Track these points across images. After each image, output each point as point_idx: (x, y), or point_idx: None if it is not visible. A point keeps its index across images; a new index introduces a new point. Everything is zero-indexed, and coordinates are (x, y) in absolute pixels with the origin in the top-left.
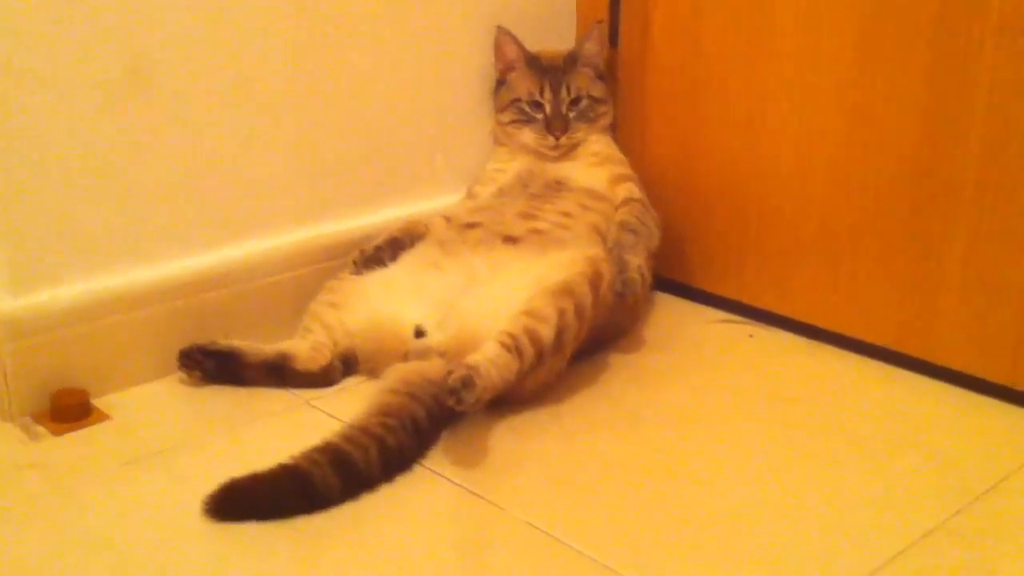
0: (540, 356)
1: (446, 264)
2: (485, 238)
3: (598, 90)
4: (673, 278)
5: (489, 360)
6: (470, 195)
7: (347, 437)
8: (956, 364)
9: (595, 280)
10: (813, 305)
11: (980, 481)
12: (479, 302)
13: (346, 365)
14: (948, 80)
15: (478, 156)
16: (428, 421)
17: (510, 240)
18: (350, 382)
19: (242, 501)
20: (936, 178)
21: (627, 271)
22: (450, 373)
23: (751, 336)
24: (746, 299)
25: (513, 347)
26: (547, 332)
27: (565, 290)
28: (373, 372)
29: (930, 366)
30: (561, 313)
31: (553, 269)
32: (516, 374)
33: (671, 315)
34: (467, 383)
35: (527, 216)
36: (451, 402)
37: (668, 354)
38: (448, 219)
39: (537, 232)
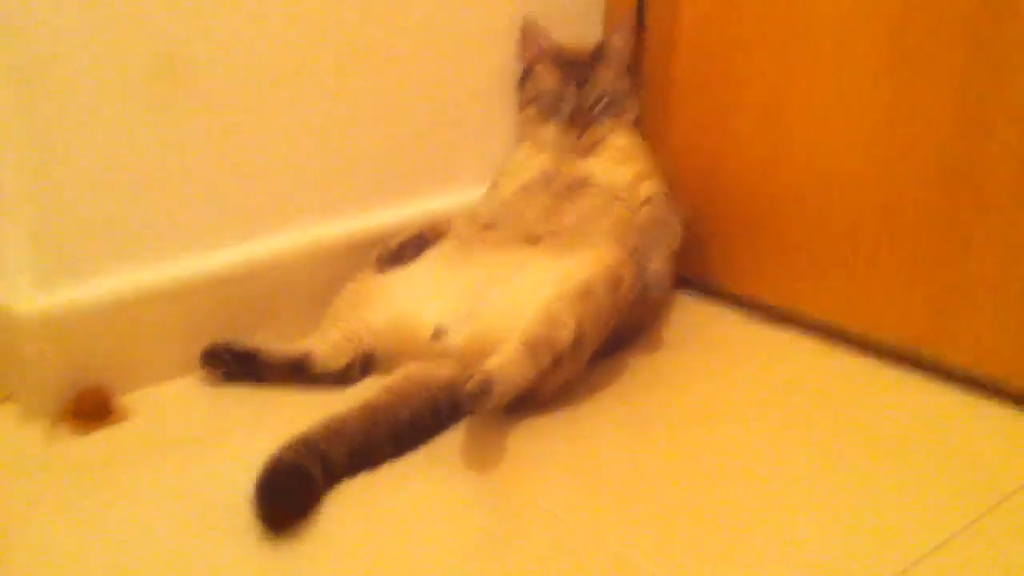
0: (558, 360)
1: (467, 263)
2: (506, 238)
3: (623, 85)
4: (693, 276)
5: (506, 364)
6: (493, 186)
7: (321, 432)
8: (978, 368)
9: (615, 283)
10: (835, 305)
11: (1004, 484)
12: (498, 303)
13: (365, 365)
14: (981, 78)
15: (503, 149)
16: (411, 425)
17: (531, 240)
18: (368, 382)
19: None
20: (965, 179)
21: (649, 271)
22: (468, 378)
23: (769, 339)
24: (767, 298)
25: (531, 351)
26: (565, 336)
27: (585, 294)
28: (391, 372)
29: (952, 370)
30: (580, 318)
31: (573, 271)
32: (533, 378)
33: (691, 314)
34: (485, 389)
35: (548, 216)
36: (468, 407)
37: (688, 354)
38: (471, 216)
39: (558, 232)
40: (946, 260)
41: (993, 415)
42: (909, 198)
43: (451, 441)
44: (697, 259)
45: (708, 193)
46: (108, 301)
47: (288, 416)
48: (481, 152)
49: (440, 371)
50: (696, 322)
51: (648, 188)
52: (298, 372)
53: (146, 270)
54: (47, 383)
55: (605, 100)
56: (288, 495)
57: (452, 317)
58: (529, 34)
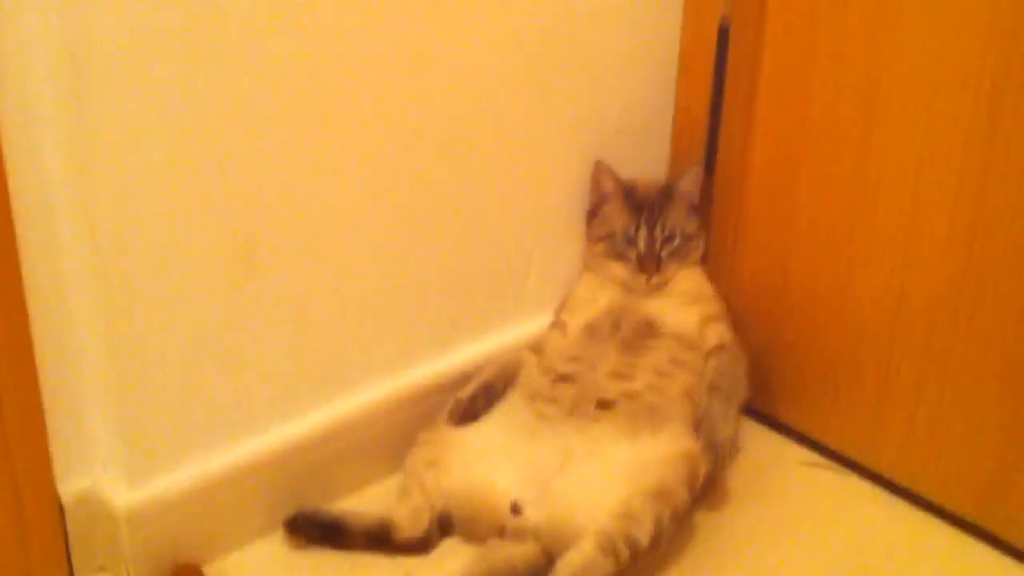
0: (635, 558)
1: (541, 435)
2: (579, 402)
3: (692, 226)
4: (759, 408)
5: (586, 564)
6: (558, 324)
7: None
8: None
9: (692, 480)
10: (895, 460)
11: None
12: (574, 486)
13: (443, 526)
14: None
15: (568, 275)
16: None
17: (603, 405)
18: (447, 547)
19: None
20: None
21: (719, 441)
22: None
23: (833, 488)
24: (831, 443)
25: (610, 550)
26: (643, 536)
27: (663, 494)
28: (468, 536)
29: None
30: (658, 519)
31: (650, 463)
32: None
33: (756, 452)
34: None
35: (620, 376)
36: None
37: (752, 515)
38: (539, 356)
39: (630, 397)
40: (1010, 428)
41: None
42: (979, 358)
43: None
44: (761, 389)
45: (775, 329)
46: (195, 485)
47: None
48: (548, 279)
49: (521, 557)
50: (760, 460)
51: (715, 334)
52: (379, 541)
53: (228, 449)
54: (142, 563)
55: (675, 242)
56: None
57: (528, 492)
58: (601, 175)
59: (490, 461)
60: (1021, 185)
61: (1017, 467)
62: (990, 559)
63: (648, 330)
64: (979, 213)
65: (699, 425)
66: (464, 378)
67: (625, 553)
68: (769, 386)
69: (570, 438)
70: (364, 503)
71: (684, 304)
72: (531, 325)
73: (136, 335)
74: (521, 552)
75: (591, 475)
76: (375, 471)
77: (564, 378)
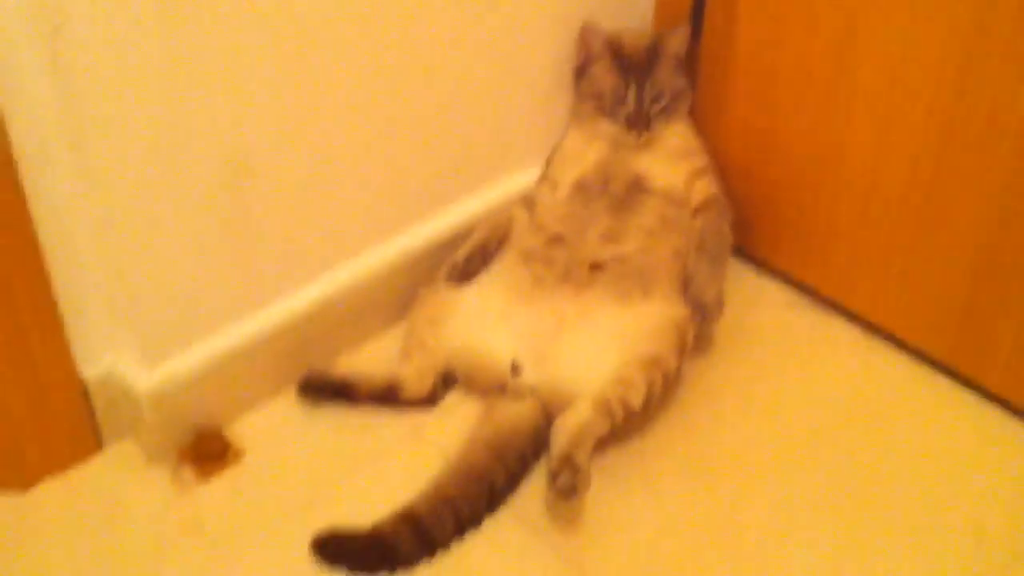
0: (628, 417)
1: (537, 299)
2: (572, 266)
3: (680, 83)
4: (742, 249)
5: (584, 424)
6: (548, 179)
7: (428, 504)
8: (1006, 394)
9: (682, 348)
10: (873, 302)
11: None
12: (570, 351)
13: (446, 380)
14: None
15: (558, 128)
16: (506, 482)
17: (595, 268)
18: (452, 401)
19: (338, 552)
20: (1021, 212)
21: (706, 306)
22: (557, 474)
23: (811, 328)
24: (810, 283)
25: (606, 411)
26: (637, 400)
27: (655, 361)
28: (471, 390)
29: (980, 388)
30: (650, 383)
31: (643, 334)
32: (606, 434)
33: (739, 293)
34: (573, 490)
35: (611, 239)
36: (559, 498)
37: (735, 358)
38: (530, 213)
39: (621, 260)
40: (990, 281)
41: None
42: (963, 208)
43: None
44: (745, 231)
45: (760, 173)
46: (209, 361)
47: (382, 456)
48: (537, 132)
49: (523, 418)
50: (743, 302)
51: (702, 189)
52: (388, 399)
53: (237, 325)
54: (166, 433)
55: (664, 100)
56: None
57: (526, 354)
58: (588, 35)
59: (489, 323)
60: (1007, 38)
61: (984, 312)
62: (962, 397)
63: (637, 188)
64: (966, 68)
65: (687, 286)
66: (462, 235)
67: (619, 414)
68: (752, 229)
69: (564, 303)
70: (370, 355)
71: (672, 160)
72: (523, 177)
73: (141, 231)
74: (522, 411)
75: (586, 341)
76: (380, 326)
77: (556, 239)
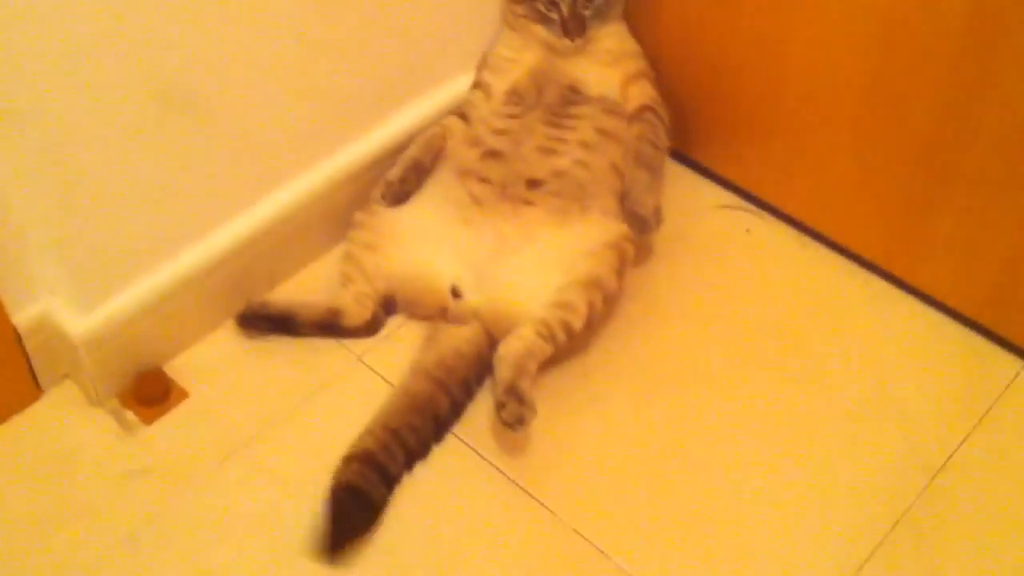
0: (570, 339)
1: (475, 220)
2: (508, 183)
3: None
4: (679, 150)
5: (526, 348)
6: (481, 85)
7: (378, 441)
8: (939, 294)
9: (622, 267)
10: (809, 204)
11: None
12: (510, 273)
13: (387, 306)
14: None
15: (489, 33)
16: (451, 410)
17: (533, 184)
18: (392, 327)
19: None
20: (961, 108)
21: (644, 219)
22: (502, 406)
23: (748, 231)
24: (745, 185)
25: (548, 335)
26: (578, 322)
27: (595, 282)
28: (412, 315)
29: (916, 289)
30: (591, 304)
31: (582, 256)
32: (548, 356)
33: (676, 194)
34: (520, 420)
35: (548, 152)
36: (507, 429)
37: (674, 263)
38: (465, 123)
39: (558, 175)
40: (921, 183)
41: (947, 340)
42: (896, 110)
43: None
44: (682, 132)
45: (695, 70)
46: (144, 301)
47: (327, 387)
48: (468, 38)
49: (466, 341)
50: (680, 208)
51: (638, 93)
52: (329, 328)
53: (171, 262)
54: (104, 376)
55: (598, 1)
56: (353, 521)
57: (467, 277)
58: None
59: (428, 245)
60: None
61: (919, 213)
62: (896, 296)
63: (572, 95)
64: None
65: (624, 198)
66: (398, 149)
67: (562, 337)
68: (689, 132)
69: (503, 224)
70: (309, 280)
71: (607, 64)
72: (457, 85)
73: (69, 171)
74: (465, 335)
75: (526, 264)
76: (319, 251)
77: (492, 154)
